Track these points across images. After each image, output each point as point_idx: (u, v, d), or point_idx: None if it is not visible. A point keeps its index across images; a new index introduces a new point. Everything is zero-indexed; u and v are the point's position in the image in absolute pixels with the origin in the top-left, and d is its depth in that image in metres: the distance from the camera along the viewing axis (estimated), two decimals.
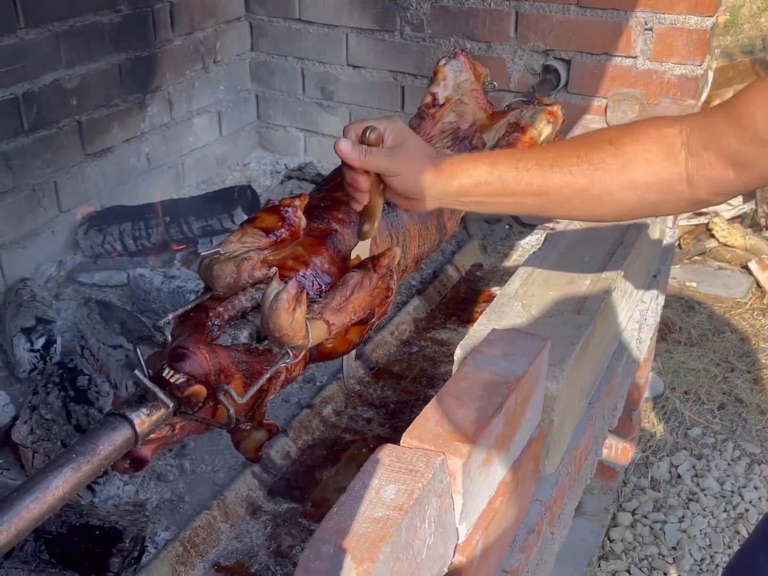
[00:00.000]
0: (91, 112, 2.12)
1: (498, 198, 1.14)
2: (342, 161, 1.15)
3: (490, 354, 1.23)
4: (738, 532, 2.50)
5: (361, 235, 1.22)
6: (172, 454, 1.48)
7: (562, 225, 1.75)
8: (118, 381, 1.49)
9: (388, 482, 0.98)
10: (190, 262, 2.02)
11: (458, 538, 1.09)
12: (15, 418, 1.47)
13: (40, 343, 1.62)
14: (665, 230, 2.08)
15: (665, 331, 3.47)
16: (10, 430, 1.44)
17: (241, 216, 2.01)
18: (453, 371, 1.29)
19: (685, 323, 3.52)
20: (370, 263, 1.15)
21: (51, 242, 2.10)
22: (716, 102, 4.84)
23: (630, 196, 1.11)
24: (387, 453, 1.03)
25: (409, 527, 0.94)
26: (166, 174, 2.43)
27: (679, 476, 2.74)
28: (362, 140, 1.14)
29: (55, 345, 1.64)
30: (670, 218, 2.15)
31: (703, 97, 4.80)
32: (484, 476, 1.13)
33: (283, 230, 1.16)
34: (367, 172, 1.16)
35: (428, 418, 1.09)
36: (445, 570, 1.06)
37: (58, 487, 0.84)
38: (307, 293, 1.15)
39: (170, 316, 1.04)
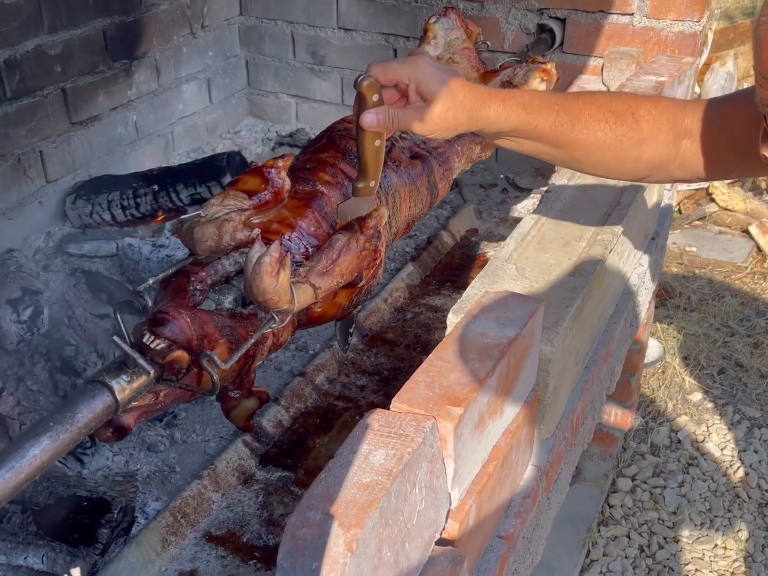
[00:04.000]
0: (76, 80, 2.07)
1: (523, 140, 1.18)
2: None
3: (482, 317, 1.20)
4: (738, 496, 2.49)
5: (354, 191, 1.18)
6: (162, 424, 1.46)
7: (560, 182, 1.71)
8: (106, 351, 1.46)
9: (377, 447, 0.96)
10: (179, 231, 1.99)
11: (450, 504, 1.07)
12: (1, 390, 1.45)
13: (27, 314, 1.60)
14: (663, 192, 2.04)
15: (665, 296, 3.45)
16: None
17: None
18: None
19: (685, 288, 3.49)
20: (357, 225, 1.12)
21: (38, 213, 2.06)
22: (716, 64, 4.78)
23: (632, 166, 1.22)
24: (376, 418, 1.01)
25: (399, 492, 0.92)
26: (155, 143, 2.38)
27: (679, 441, 2.72)
28: (355, 86, 1.09)
29: (42, 316, 1.61)
30: None
31: (703, 58, 4.73)
32: (477, 440, 1.11)
33: (266, 192, 1.13)
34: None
35: (418, 382, 1.07)
36: (437, 536, 1.04)
37: (36, 456, 0.82)
38: (294, 256, 1.13)
39: (150, 281, 1.01)
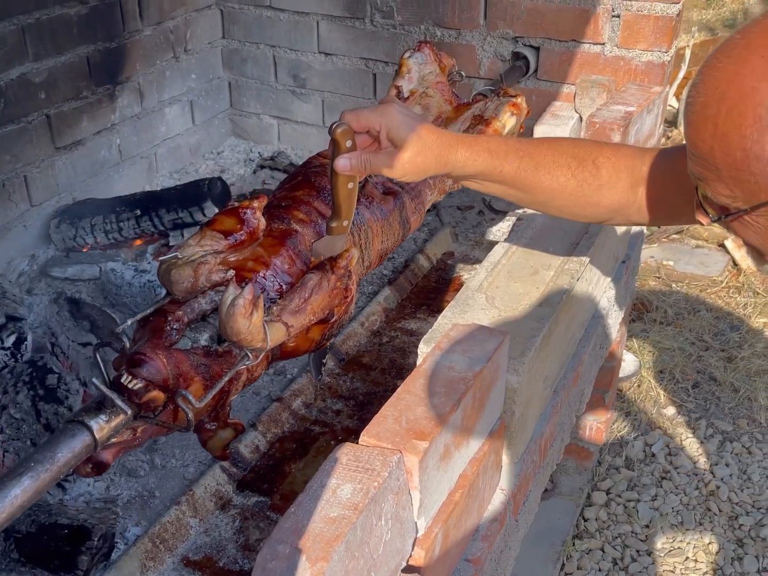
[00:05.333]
0: (60, 105, 2.12)
1: (489, 183, 1.24)
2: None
3: (450, 350, 1.25)
4: (709, 509, 2.55)
5: (328, 230, 1.23)
6: (143, 450, 1.50)
7: (529, 213, 1.77)
8: (88, 379, 1.51)
9: (345, 481, 1.01)
10: (162, 255, 2.03)
11: (417, 532, 1.12)
12: None
13: (10, 341, 1.63)
14: None
15: (642, 310, 3.51)
16: None
17: (211, 208, 2.02)
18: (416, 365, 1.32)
19: (661, 302, 3.56)
20: (329, 264, 1.17)
21: (23, 236, 2.10)
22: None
23: (592, 210, 1.29)
24: (345, 452, 1.05)
25: (365, 525, 0.97)
26: (139, 165, 2.43)
27: (653, 455, 2.78)
28: (329, 133, 1.14)
29: (25, 342, 1.65)
30: None
31: (682, 74, 4.80)
32: (443, 471, 1.16)
33: (242, 232, 1.17)
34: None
35: (386, 416, 1.12)
36: (404, 564, 1.09)
37: (17, 496, 0.86)
38: (268, 293, 1.17)
39: (129, 322, 1.06)
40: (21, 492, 0.87)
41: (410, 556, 1.11)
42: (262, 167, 2.34)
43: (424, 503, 1.11)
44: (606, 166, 1.22)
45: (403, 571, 1.09)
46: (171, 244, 2.06)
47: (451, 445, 1.16)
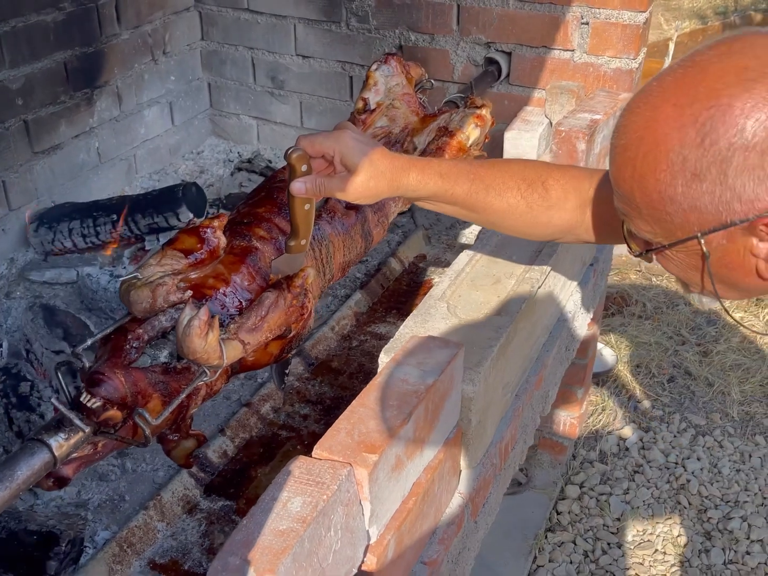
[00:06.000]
0: (38, 111, 2.15)
1: (442, 204, 1.30)
2: None
3: (405, 363, 1.30)
4: (679, 503, 2.61)
5: (287, 248, 1.27)
6: (114, 455, 1.55)
7: None
8: (57, 388, 1.55)
9: (295, 494, 1.05)
10: (138, 258, 2.08)
11: (369, 540, 1.17)
12: None
13: None
14: None
15: (621, 304, 3.57)
16: None
17: (186, 213, 2.06)
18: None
19: (641, 296, 3.61)
20: (285, 283, 1.22)
21: (1, 240, 2.13)
22: None
23: (543, 230, 1.34)
24: (298, 465, 1.10)
25: (313, 537, 1.02)
26: (118, 167, 2.46)
27: (626, 449, 2.84)
28: (285, 158, 1.18)
29: (1, 349, 1.70)
30: None
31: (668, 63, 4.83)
32: (395, 481, 1.20)
33: (202, 251, 1.22)
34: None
35: (340, 430, 1.16)
36: (354, 570, 1.14)
37: None
38: (228, 310, 1.22)
39: (89, 342, 1.10)
40: None
41: (362, 562, 1.16)
42: (239, 170, 2.38)
43: (376, 512, 1.16)
44: (555, 188, 1.27)
45: None
46: (147, 248, 2.10)
47: (403, 455, 1.21)
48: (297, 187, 1.17)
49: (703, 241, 0.90)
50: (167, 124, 2.62)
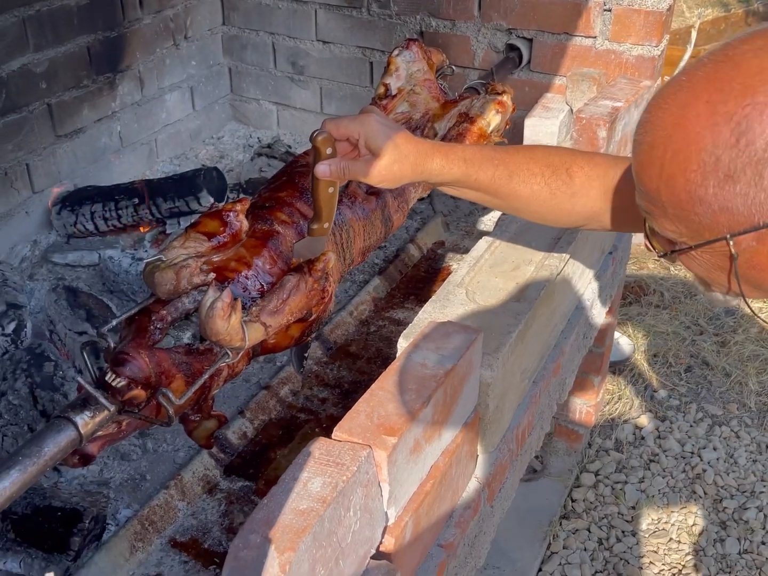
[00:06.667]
0: (61, 95, 2.17)
1: (465, 190, 1.30)
2: None
3: (423, 347, 1.31)
4: (694, 492, 2.62)
5: (309, 231, 1.28)
6: (136, 435, 1.57)
7: None
8: (82, 368, 1.57)
9: (315, 475, 1.07)
10: (159, 242, 2.10)
11: (387, 521, 1.18)
12: None
13: (10, 327, 1.71)
14: None
15: (639, 293, 3.55)
16: None
17: (206, 198, 2.07)
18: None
19: (659, 285, 3.59)
20: (306, 267, 1.23)
21: (25, 222, 2.16)
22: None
23: (566, 217, 1.33)
24: (318, 446, 1.11)
25: (333, 517, 1.03)
26: (139, 151, 2.48)
27: (642, 438, 2.84)
28: (311, 140, 1.19)
29: (25, 329, 1.72)
30: None
31: (688, 55, 4.79)
32: (413, 463, 1.22)
33: (224, 234, 1.23)
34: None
35: (359, 412, 1.18)
36: (373, 551, 1.16)
37: (5, 488, 0.93)
38: (249, 293, 1.23)
39: (114, 322, 1.12)
40: (9, 484, 0.93)
41: (380, 543, 1.18)
42: (259, 155, 2.39)
43: (394, 494, 1.17)
44: (579, 175, 1.26)
45: (373, 557, 1.16)
46: (168, 231, 2.11)
47: (422, 438, 1.22)
48: (321, 169, 1.18)
49: (732, 243, 0.86)
50: (188, 109, 2.63)
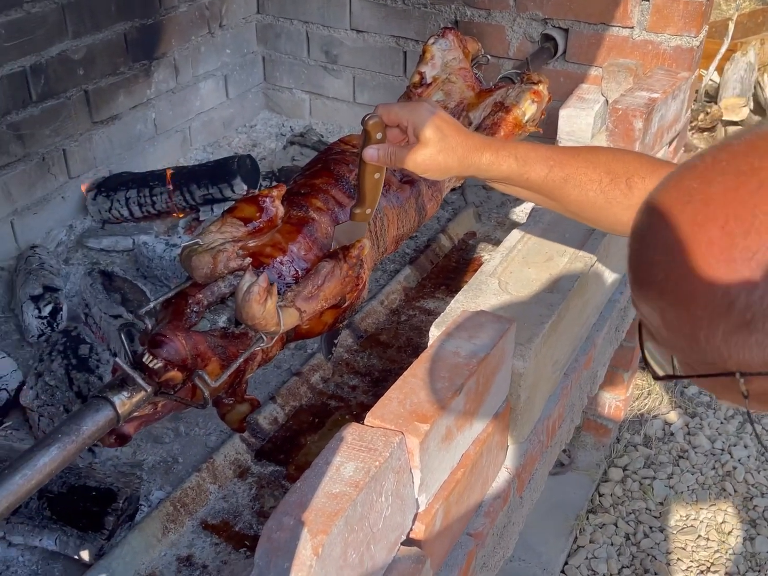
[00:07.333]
0: (98, 81, 2.19)
1: (515, 187, 1.26)
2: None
3: (456, 336, 1.31)
4: (724, 489, 2.59)
5: (351, 215, 1.29)
6: (168, 418, 1.59)
7: None
8: (118, 350, 1.60)
9: (348, 460, 1.07)
10: (193, 228, 2.11)
11: (418, 508, 1.19)
12: (23, 383, 1.59)
13: (47, 310, 1.73)
14: None
15: None
16: (19, 394, 1.55)
17: (240, 185, 2.09)
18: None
19: None
20: (341, 253, 1.23)
21: (61, 207, 2.19)
22: (737, 53, 4.76)
23: (623, 228, 1.20)
24: (350, 432, 1.12)
25: (365, 502, 1.04)
26: (173, 138, 2.50)
27: (671, 434, 2.82)
28: (362, 123, 1.19)
29: (61, 312, 1.75)
30: None
31: (725, 48, 4.71)
32: (445, 451, 1.22)
33: (260, 220, 1.23)
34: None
35: (392, 399, 1.18)
36: (403, 537, 1.16)
37: (45, 465, 0.94)
38: (284, 279, 1.24)
39: (151, 305, 1.13)
40: (49, 461, 0.95)
41: (411, 530, 1.18)
42: (291, 143, 2.39)
43: (425, 481, 1.17)
44: (639, 188, 1.17)
45: (404, 544, 1.16)
46: (201, 218, 2.13)
47: (454, 427, 1.22)
48: (370, 153, 1.18)
49: (742, 381, 0.70)
50: (222, 97, 2.65)
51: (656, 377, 0.80)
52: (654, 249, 0.70)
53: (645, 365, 0.81)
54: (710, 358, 0.70)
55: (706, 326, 0.68)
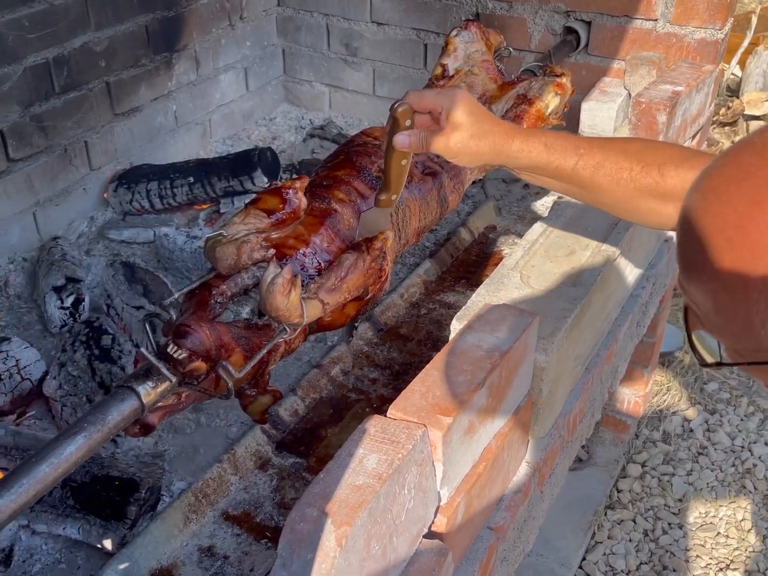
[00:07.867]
0: (120, 73, 2.20)
1: (543, 177, 1.24)
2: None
3: (479, 329, 1.30)
4: (744, 487, 2.57)
5: (376, 202, 1.29)
6: (190, 409, 1.59)
7: None
8: (141, 340, 1.60)
9: (371, 452, 1.07)
10: (213, 221, 2.12)
11: (440, 501, 1.18)
12: (46, 373, 1.60)
13: (69, 301, 1.74)
14: None
15: None
16: (42, 384, 1.57)
17: (260, 178, 2.09)
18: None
19: None
20: (364, 245, 1.23)
21: (83, 199, 2.20)
22: (760, 47, 4.71)
23: (656, 218, 1.22)
24: (373, 424, 1.12)
25: (388, 494, 1.04)
26: (194, 131, 2.50)
27: (691, 430, 2.80)
28: (390, 110, 1.18)
29: (83, 303, 1.76)
30: None
31: (747, 41, 4.66)
32: (467, 444, 1.21)
33: (283, 211, 1.23)
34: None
35: (414, 391, 1.18)
36: (425, 530, 1.16)
37: (72, 453, 0.95)
38: (307, 270, 1.24)
39: (176, 295, 1.13)
40: (75, 449, 0.95)
41: (432, 523, 1.18)
42: (311, 136, 2.39)
43: (447, 474, 1.17)
44: (672, 176, 1.15)
45: (426, 536, 1.16)
46: (222, 210, 2.13)
47: (476, 420, 1.22)
48: (401, 140, 1.18)
49: None
50: (242, 90, 2.65)
51: (704, 364, 0.76)
52: (707, 229, 0.67)
53: (692, 351, 0.76)
54: (765, 344, 0.66)
55: (763, 310, 0.64)
